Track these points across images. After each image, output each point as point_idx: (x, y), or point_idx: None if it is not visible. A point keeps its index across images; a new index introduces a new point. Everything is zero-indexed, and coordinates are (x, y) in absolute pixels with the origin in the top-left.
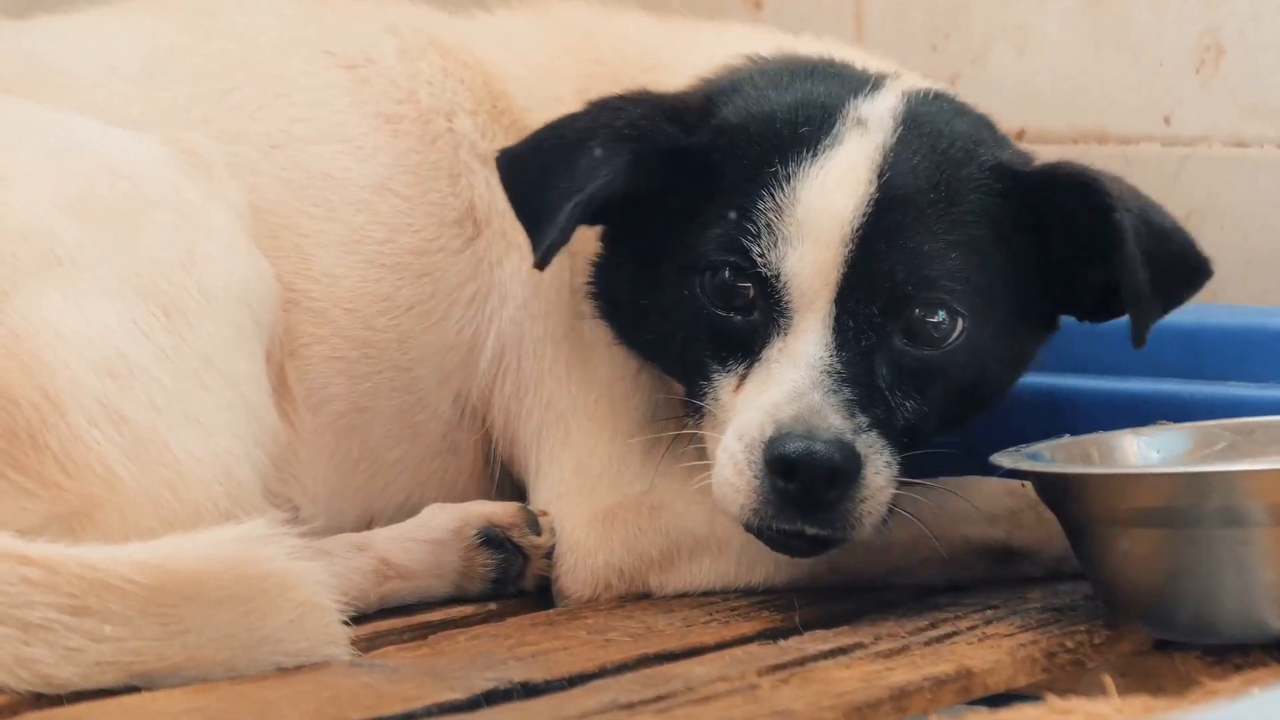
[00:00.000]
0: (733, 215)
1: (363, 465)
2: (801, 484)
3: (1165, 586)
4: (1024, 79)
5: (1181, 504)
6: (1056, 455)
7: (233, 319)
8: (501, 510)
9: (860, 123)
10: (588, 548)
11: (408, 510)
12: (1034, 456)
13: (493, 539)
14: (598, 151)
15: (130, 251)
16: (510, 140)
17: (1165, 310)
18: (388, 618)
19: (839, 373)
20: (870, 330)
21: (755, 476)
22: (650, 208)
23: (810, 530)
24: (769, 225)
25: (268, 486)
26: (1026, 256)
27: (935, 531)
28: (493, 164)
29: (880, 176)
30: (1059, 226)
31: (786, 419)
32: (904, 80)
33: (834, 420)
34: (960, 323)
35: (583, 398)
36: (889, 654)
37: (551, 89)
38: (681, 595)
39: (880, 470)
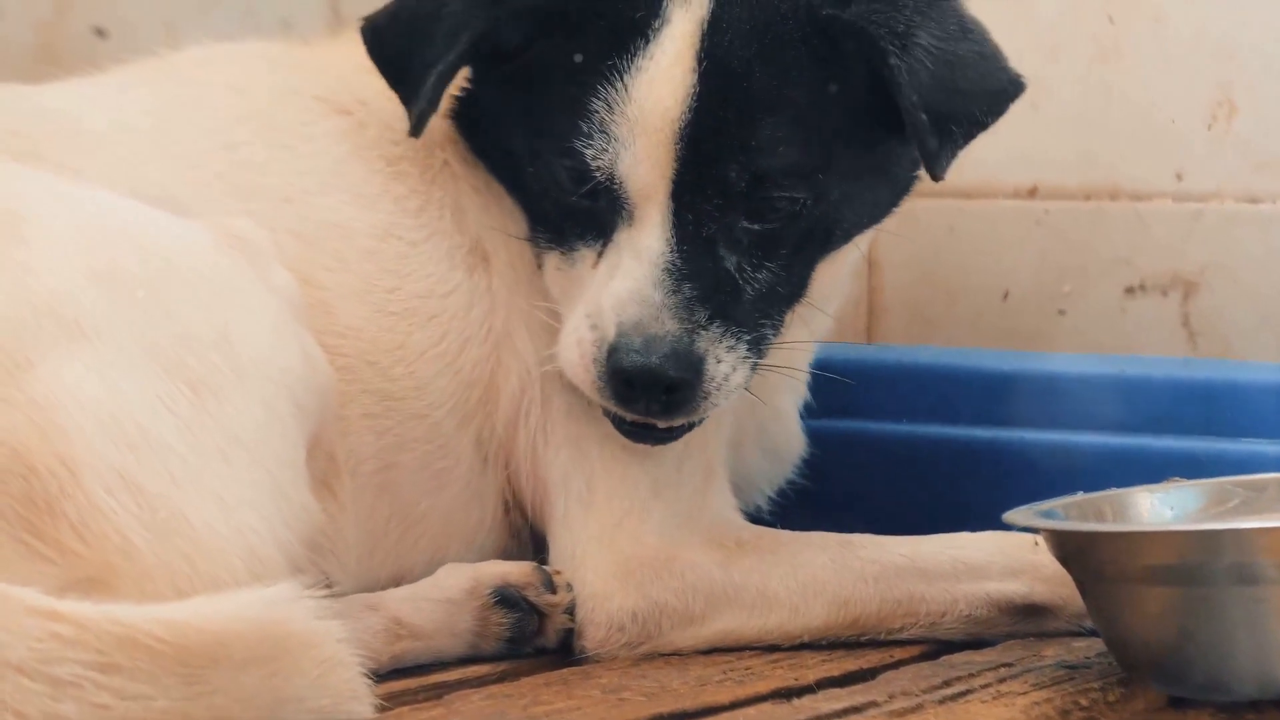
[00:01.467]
0: (577, 112)
1: (394, 523)
2: (641, 397)
3: (1178, 644)
4: (1036, 135)
5: (1194, 562)
6: (1070, 513)
7: (265, 399)
8: (516, 570)
9: None
10: (605, 594)
11: (434, 566)
12: (1047, 514)
13: (508, 598)
14: (454, 16)
15: (158, 327)
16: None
17: (967, 140)
18: (402, 678)
19: (679, 269)
20: (710, 222)
21: (599, 379)
22: (514, 60)
23: (661, 424)
24: (602, 124)
25: (298, 567)
26: (857, 102)
27: (956, 586)
28: (483, 193)
29: (701, 62)
30: (862, 71)
31: (628, 324)
32: None
33: (670, 325)
34: (801, 201)
35: (606, 441)
36: (903, 712)
37: None
38: (697, 649)
39: (724, 358)
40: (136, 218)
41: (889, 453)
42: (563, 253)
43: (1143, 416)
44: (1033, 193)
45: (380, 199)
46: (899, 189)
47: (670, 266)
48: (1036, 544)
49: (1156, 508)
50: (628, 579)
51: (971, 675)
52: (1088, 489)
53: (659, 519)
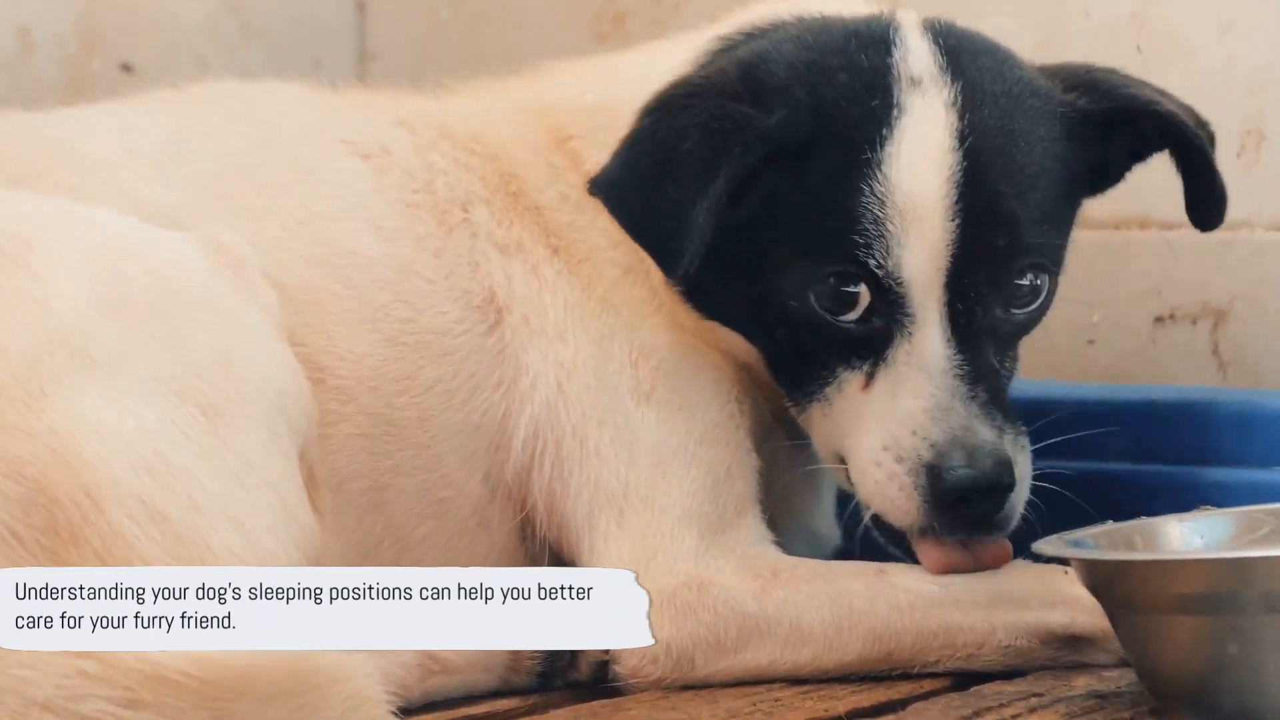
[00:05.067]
0: (835, 216)
1: (387, 543)
2: (973, 509)
3: (1209, 673)
4: None
5: (1225, 590)
6: (1100, 542)
7: (268, 421)
8: None
9: (915, 82)
10: None
11: None
12: (1077, 543)
13: None
14: (698, 151)
15: (167, 352)
16: (530, 226)
17: None
18: (428, 711)
19: (968, 372)
20: (980, 310)
21: (925, 501)
22: (746, 194)
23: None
24: (875, 222)
25: None
26: (1081, 177)
27: (994, 616)
28: (511, 252)
29: (962, 140)
30: (1122, 145)
31: (943, 442)
32: (906, 17)
33: (984, 433)
34: (1048, 278)
35: (633, 479)
36: None
37: (551, 168)
38: (729, 681)
39: (1021, 460)
40: (137, 238)
41: None
42: (826, 391)
43: (1173, 446)
44: None
45: (401, 235)
46: None
47: (959, 371)
48: (1066, 573)
49: (1187, 536)
50: (662, 610)
51: (1002, 705)
52: (1117, 518)
53: (691, 547)
